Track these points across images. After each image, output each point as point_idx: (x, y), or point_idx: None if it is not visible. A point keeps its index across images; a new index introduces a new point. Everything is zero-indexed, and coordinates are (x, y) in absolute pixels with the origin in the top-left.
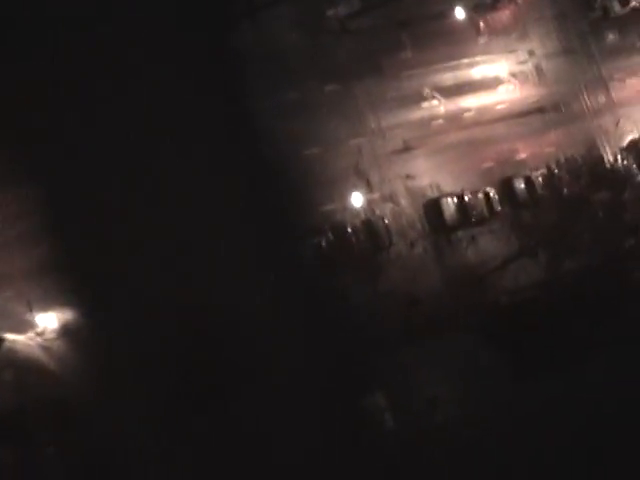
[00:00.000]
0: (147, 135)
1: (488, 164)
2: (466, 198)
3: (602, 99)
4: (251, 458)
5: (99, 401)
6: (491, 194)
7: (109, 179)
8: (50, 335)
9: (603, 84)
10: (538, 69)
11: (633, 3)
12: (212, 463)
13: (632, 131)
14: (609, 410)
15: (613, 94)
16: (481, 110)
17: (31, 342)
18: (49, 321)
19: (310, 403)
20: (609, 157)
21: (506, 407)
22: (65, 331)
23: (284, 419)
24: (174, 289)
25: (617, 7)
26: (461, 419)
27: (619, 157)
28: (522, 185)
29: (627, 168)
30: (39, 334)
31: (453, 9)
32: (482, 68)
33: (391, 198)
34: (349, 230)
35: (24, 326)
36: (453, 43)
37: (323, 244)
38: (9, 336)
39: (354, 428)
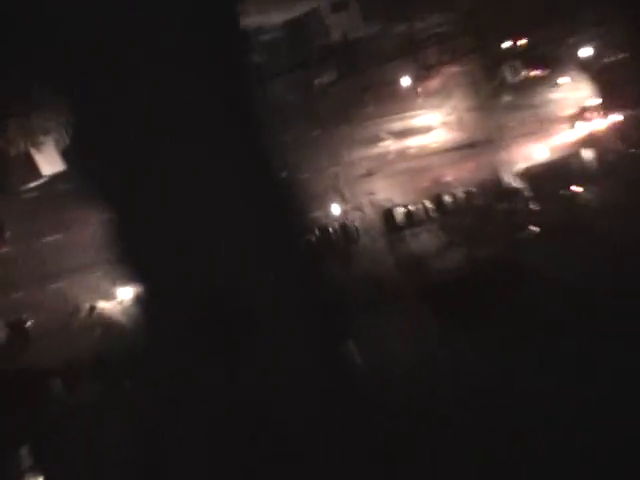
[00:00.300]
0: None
1: (425, 184)
2: (411, 208)
3: (503, 140)
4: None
5: (158, 349)
6: (428, 205)
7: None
8: (127, 304)
9: (503, 130)
10: (459, 119)
11: (522, 73)
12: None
13: (522, 162)
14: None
15: (509, 136)
16: (420, 147)
17: (114, 309)
18: (126, 294)
19: (301, 349)
20: (508, 179)
21: (437, 352)
22: (136, 301)
23: (279, 363)
24: (198, 271)
25: (510, 78)
26: (411, 363)
27: (514, 179)
28: (449, 199)
29: (520, 187)
30: (119, 303)
31: (400, 78)
32: (421, 118)
33: (359, 208)
34: (330, 230)
35: (109, 297)
36: (400, 101)
37: (313, 240)
38: (99, 304)
39: (333, 369)
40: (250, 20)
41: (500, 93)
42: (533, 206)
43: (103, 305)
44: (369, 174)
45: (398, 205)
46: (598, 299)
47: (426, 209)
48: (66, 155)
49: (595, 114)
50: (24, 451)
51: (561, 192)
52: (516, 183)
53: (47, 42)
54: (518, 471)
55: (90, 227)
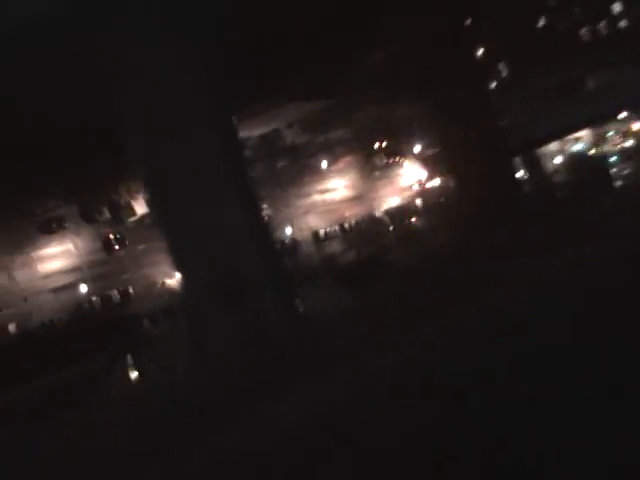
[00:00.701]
0: None
1: (335, 218)
2: (327, 230)
3: (376, 195)
4: None
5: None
6: (336, 228)
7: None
8: (179, 280)
9: (376, 189)
10: (353, 184)
11: (384, 160)
12: None
13: (385, 205)
14: None
15: (379, 193)
16: (332, 199)
17: (173, 283)
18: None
19: (272, 303)
20: (378, 214)
21: (341, 303)
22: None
23: (262, 311)
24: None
25: (379, 163)
26: (329, 309)
27: (382, 214)
28: (347, 225)
29: (384, 218)
30: (177, 280)
31: (321, 163)
32: (332, 183)
33: (301, 230)
34: (285, 241)
35: (172, 276)
36: (322, 175)
37: (277, 246)
38: (167, 280)
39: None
40: (242, 133)
41: (373, 170)
42: (391, 228)
43: (169, 281)
44: (305, 213)
45: (321, 228)
46: (421, 275)
47: (335, 230)
48: (147, 204)
49: (423, 182)
50: (129, 359)
51: (405, 221)
52: (383, 216)
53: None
54: None
55: (162, 241)
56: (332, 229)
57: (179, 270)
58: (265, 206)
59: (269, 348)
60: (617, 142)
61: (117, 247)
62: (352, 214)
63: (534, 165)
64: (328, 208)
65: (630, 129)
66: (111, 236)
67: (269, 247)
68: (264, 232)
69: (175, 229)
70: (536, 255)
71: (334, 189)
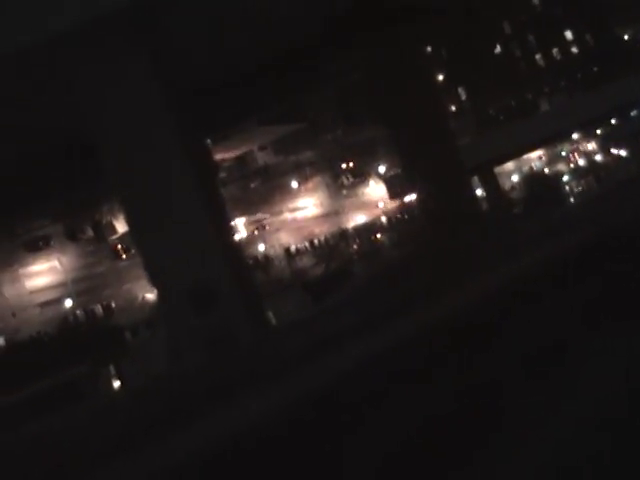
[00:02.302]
0: None
1: (306, 234)
2: (298, 246)
3: (343, 212)
4: None
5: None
6: (307, 244)
7: None
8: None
9: (344, 207)
10: (322, 203)
11: (351, 180)
12: None
13: (353, 222)
14: None
15: (347, 211)
16: (303, 216)
17: (153, 297)
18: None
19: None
20: (346, 230)
21: (309, 310)
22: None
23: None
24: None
25: (346, 182)
26: (298, 316)
27: (349, 231)
28: (317, 241)
29: (351, 234)
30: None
31: (291, 182)
32: (302, 202)
33: (273, 247)
34: (259, 257)
35: (151, 290)
36: (293, 194)
37: (250, 262)
38: (147, 295)
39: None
40: (217, 155)
41: (341, 189)
42: (357, 243)
43: (148, 295)
44: (277, 230)
45: (292, 244)
46: (377, 283)
47: (306, 247)
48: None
49: (387, 199)
50: (111, 368)
51: (371, 237)
52: (350, 232)
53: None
54: None
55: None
56: (302, 245)
57: (154, 282)
58: (267, 215)
59: (233, 350)
60: (571, 160)
61: (124, 255)
62: (321, 231)
63: (491, 183)
64: (298, 225)
65: (583, 148)
66: (119, 246)
67: (238, 260)
68: (233, 247)
69: (150, 245)
70: (474, 269)
71: (304, 207)
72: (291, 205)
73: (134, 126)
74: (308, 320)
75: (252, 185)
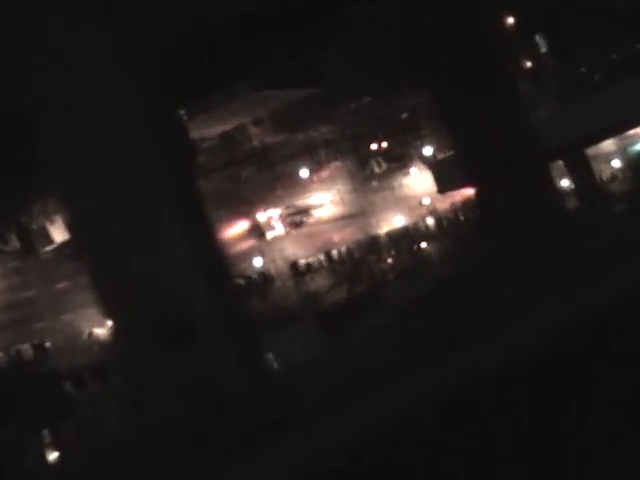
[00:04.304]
0: None
1: (319, 244)
2: (309, 260)
3: (372, 212)
4: None
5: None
6: (321, 258)
7: None
8: (112, 327)
9: (372, 205)
10: (342, 198)
11: (384, 166)
12: None
13: (385, 226)
14: None
15: (377, 209)
16: (315, 218)
17: (104, 332)
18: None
19: (230, 355)
20: (376, 235)
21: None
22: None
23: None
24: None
25: (376, 169)
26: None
27: (382, 238)
28: (335, 252)
29: (384, 244)
30: (108, 327)
31: (300, 171)
32: (315, 198)
33: (274, 261)
34: (254, 276)
35: (102, 324)
36: (301, 186)
37: (242, 283)
38: (95, 330)
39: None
40: (195, 132)
41: (370, 180)
42: (392, 256)
43: (98, 330)
44: (280, 237)
45: (300, 258)
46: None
47: (320, 261)
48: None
49: (434, 194)
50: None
51: (413, 247)
52: (382, 241)
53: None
54: None
55: (87, 276)
56: (315, 258)
57: (108, 312)
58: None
59: (218, 403)
60: None
61: None
62: (342, 238)
63: (582, 171)
64: (310, 231)
65: None
66: None
67: (223, 283)
68: (218, 263)
69: (103, 262)
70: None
71: (318, 205)
72: (299, 202)
73: (76, 90)
74: (321, 363)
75: (244, 174)
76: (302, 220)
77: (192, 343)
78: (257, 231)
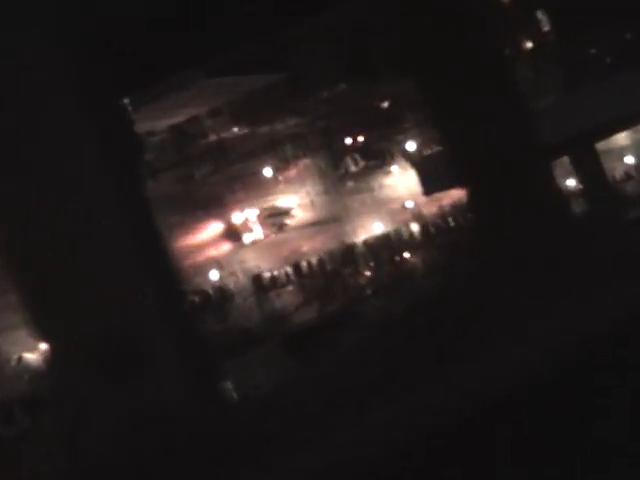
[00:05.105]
0: None
1: (286, 254)
2: (274, 273)
3: (347, 217)
4: None
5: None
6: (288, 270)
7: None
8: (45, 352)
9: (347, 209)
10: (312, 202)
11: (361, 164)
12: None
13: (362, 234)
14: None
15: (352, 214)
16: (280, 223)
17: (36, 357)
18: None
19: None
20: (352, 244)
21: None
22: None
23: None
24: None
25: (352, 167)
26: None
27: (359, 247)
28: (304, 264)
29: (361, 255)
30: (41, 352)
31: (263, 169)
32: (280, 201)
33: (234, 274)
34: (210, 292)
35: (33, 349)
36: (264, 188)
37: (195, 300)
38: (25, 355)
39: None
40: (141, 125)
41: (344, 180)
42: (370, 268)
43: (28, 355)
44: (240, 247)
45: (265, 270)
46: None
47: (287, 274)
48: None
49: (419, 196)
50: None
51: (395, 258)
52: (359, 250)
53: None
54: None
55: (16, 293)
56: (281, 271)
57: (42, 335)
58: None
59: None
60: None
61: None
62: (312, 248)
63: (590, 168)
64: (275, 239)
65: None
66: None
67: (175, 300)
68: (168, 279)
69: (36, 275)
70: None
71: (284, 210)
72: (263, 205)
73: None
74: (285, 392)
75: (197, 174)
76: (283, 222)
77: (139, 369)
78: (232, 236)
